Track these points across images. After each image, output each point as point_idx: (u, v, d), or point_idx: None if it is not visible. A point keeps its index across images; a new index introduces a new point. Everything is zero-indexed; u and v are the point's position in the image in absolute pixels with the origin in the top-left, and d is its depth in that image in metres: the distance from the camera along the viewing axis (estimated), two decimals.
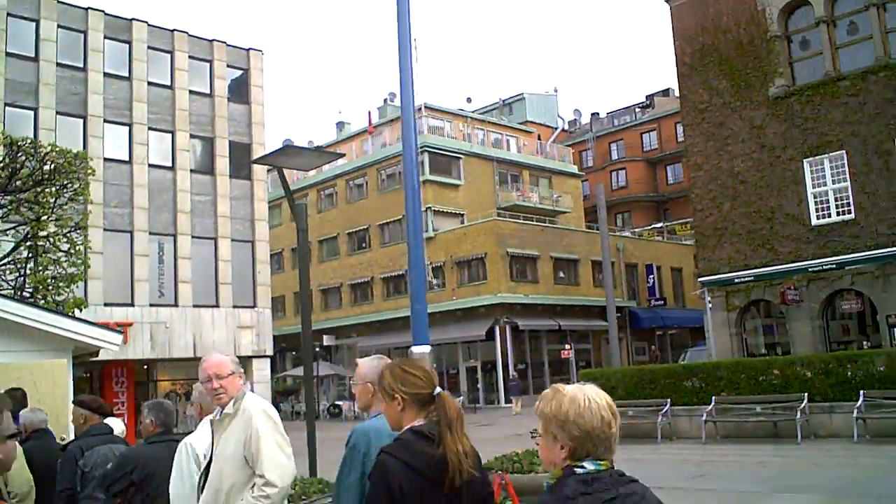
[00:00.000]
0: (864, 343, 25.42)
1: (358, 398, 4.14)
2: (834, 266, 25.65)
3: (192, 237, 28.48)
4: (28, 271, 13.64)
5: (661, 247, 45.67)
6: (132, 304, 26.53)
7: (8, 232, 13.88)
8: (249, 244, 30.11)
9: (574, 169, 48.86)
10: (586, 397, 2.32)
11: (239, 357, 19.66)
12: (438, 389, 3.13)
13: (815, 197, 27.36)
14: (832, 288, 26.87)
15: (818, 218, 27.24)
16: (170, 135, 28.66)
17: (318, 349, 41.30)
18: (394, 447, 2.98)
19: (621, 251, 42.52)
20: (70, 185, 14.19)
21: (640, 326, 41.95)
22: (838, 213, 26.85)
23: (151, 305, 27.10)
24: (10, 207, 13.60)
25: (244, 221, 30.10)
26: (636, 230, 49.91)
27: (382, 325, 41.44)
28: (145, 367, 27.72)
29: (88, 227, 15.24)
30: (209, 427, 4.89)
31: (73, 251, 14.06)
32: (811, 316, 27.16)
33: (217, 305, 28.62)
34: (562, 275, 40.07)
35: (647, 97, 60.52)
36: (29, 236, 13.88)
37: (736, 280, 26.98)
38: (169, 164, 28.50)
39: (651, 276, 43.08)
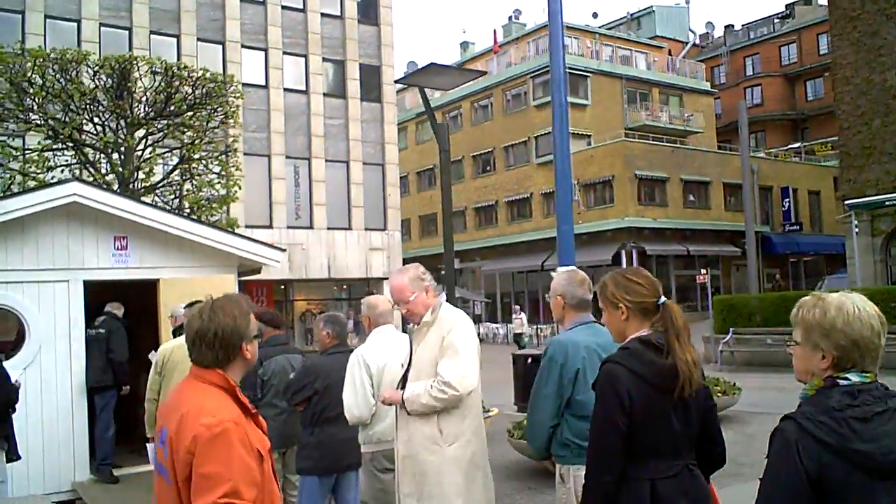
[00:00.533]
0: None
1: (553, 311, 4.20)
2: None
3: (326, 161, 29.16)
4: (185, 192, 14.37)
5: (799, 168, 43.51)
6: (271, 227, 27.57)
7: (165, 155, 14.60)
8: (380, 167, 30.60)
9: (706, 86, 46.84)
10: (854, 305, 2.24)
11: (370, 279, 20.52)
12: (664, 299, 3.09)
13: None
14: None
15: None
16: (303, 59, 29.16)
17: (442, 273, 41.94)
18: (621, 356, 2.95)
19: (756, 173, 40.69)
20: (220, 108, 14.73)
21: (772, 252, 40.42)
22: None
23: (289, 227, 28.11)
24: (166, 132, 14.27)
25: (375, 145, 30.53)
26: (771, 151, 47.65)
27: (507, 248, 41.54)
28: (283, 287, 28.90)
29: (236, 150, 15.82)
30: (378, 338, 5.10)
31: (224, 173, 14.69)
32: None
33: (350, 228, 29.40)
34: (692, 198, 38.90)
35: (786, 6, 56.85)
36: (184, 159, 14.57)
37: (886, 203, 25.38)
38: (303, 87, 29.07)
39: (787, 200, 41.25)
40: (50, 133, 14.16)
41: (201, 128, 14.47)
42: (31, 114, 13.82)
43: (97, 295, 8.93)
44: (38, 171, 13.52)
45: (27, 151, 13.61)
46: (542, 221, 39.84)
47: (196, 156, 14.69)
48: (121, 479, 8.66)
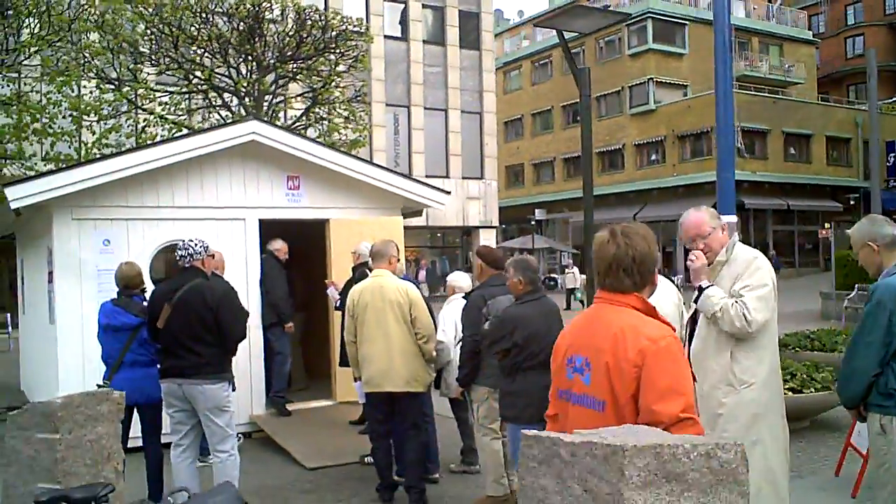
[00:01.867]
0: None
1: (865, 262, 4.05)
2: None
3: (424, 108, 29.05)
4: (317, 134, 14.41)
5: None
6: None
7: (293, 100, 14.64)
8: (477, 116, 30.35)
9: (808, 35, 44.97)
10: None
11: (467, 227, 20.34)
12: None
13: None
14: None
15: None
16: (402, 5, 28.90)
17: (532, 223, 41.69)
18: None
19: (860, 126, 39.22)
20: (349, 52, 14.67)
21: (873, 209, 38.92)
22: None
23: None
24: (300, 75, 14.28)
25: (473, 93, 30.26)
26: (861, 104, 45.54)
27: (597, 200, 40.79)
28: None
29: (365, 94, 15.79)
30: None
31: (352, 118, 14.68)
32: None
33: (447, 176, 29.32)
34: (792, 151, 37.68)
35: None
36: (316, 102, 14.58)
37: None
38: (402, 34, 28.87)
39: (892, 154, 39.54)
40: (185, 77, 14.33)
41: (333, 72, 14.44)
42: (167, 57, 13.97)
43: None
44: (180, 114, 13.71)
45: (163, 94, 13.77)
46: (634, 173, 39.16)
47: (324, 100, 14.69)
48: (291, 413, 8.84)
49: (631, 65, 39.87)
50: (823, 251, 38.28)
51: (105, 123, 13.21)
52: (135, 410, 6.08)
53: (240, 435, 7.87)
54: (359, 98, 15.24)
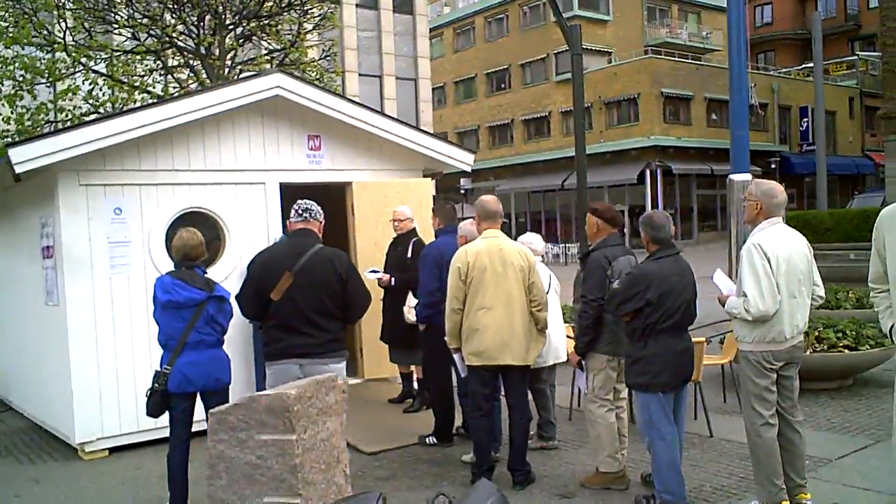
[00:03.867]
0: None
1: None
2: None
3: (359, 75, 28.06)
4: None
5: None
6: None
7: (264, 59, 13.62)
8: (413, 82, 29.58)
9: (723, 3, 45.77)
10: None
11: None
12: None
13: None
14: None
15: None
16: None
17: (461, 192, 41.29)
18: None
19: (776, 92, 40.39)
20: (314, 10, 13.73)
21: (791, 172, 40.27)
22: None
23: None
24: (265, 34, 13.28)
25: (407, 59, 29.45)
26: (783, 70, 47.06)
27: (525, 168, 40.88)
28: None
29: (335, 54, 14.85)
30: (773, 228, 4.69)
31: (321, 80, 13.77)
32: None
33: None
34: (714, 117, 38.41)
35: None
36: (281, 61, 13.62)
37: None
38: None
39: (805, 120, 40.91)
40: (133, 35, 13.15)
41: (301, 31, 13.48)
42: (115, 14, 12.74)
43: None
44: (143, 76, 12.54)
45: (112, 54, 12.53)
46: (561, 140, 39.16)
47: (292, 62, 13.73)
48: None
49: (556, 31, 39.56)
50: None
51: (56, 86, 11.95)
52: (197, 398, 5.33)
53: None
54: (327, 58, 14.35)
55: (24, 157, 6.30)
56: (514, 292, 5.46)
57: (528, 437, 5.68)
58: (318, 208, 5.15)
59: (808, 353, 7.92)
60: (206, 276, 5.34)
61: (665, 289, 4.95)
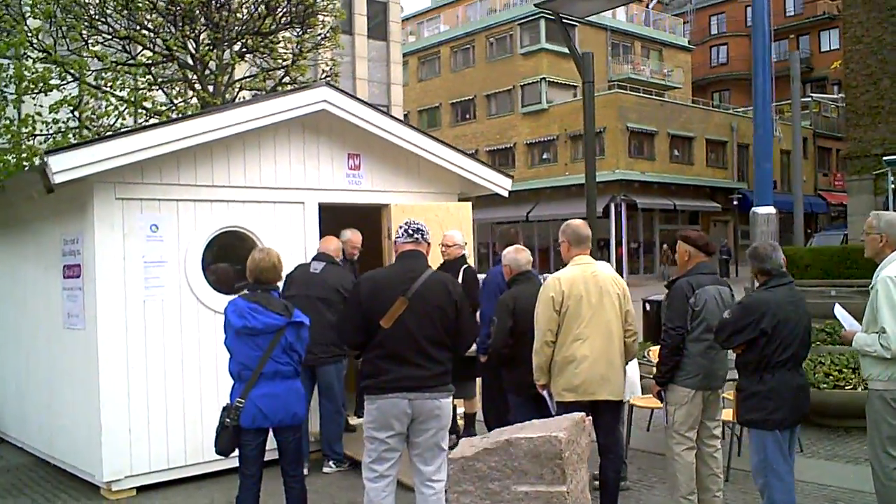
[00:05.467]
0: None
1: None
2: None
3: None
4: None
5: None
6: None
7: (259, 76, 13.12)
8: (385, 108, 29.22)
9: (685, 41, 46.77)
10: None
11: None
12: None
13: None
14: None
15: None
16: None
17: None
18: None
19: (735, 130, 41.16)
20: (314, 28, 13.32)
21: (748, 209, 40.84)
22: None
23: None
24: (262, 50, 12.81)
25: (380, 85, 29.15)
26: (739, 109, 48.07)
27: (488, 198, 40.57)
28: None
29: (337, 74, 14.39)
30: None
31: None
32: None
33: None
34: (676, 153, 38.91)
35: None
36: (281, 82, 13.15)
37: (887, 162, 25.40)
38: None
39: None
40: (123, 48, 12.56)
41: (302, 48, 13.05)
42: (109, 26, 12.14)
43: None
44: (141, 89, 11.92)
45: (110, 65, 11.90)
46: (526, 172, 39.20)
47: (287, 79, 13.28)
48: (356, 428, 7.68)
49: (523, 64, 39.92)
50: None
51: (45, 95, 11.26)
52: (268, 434, 4.85)
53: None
54: (329, 78, 13.92)
55: (66, 165, 5.77)
56: (613, 322, 5.14)
57: (619, 478, 5.32)
58: (428, 229, 4.78)
59: (860, 390, 7.75)
60: (282, 299, 4.89)
61: (780, 318, 4.70)
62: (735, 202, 38.36)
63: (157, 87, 12.92)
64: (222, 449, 4.75)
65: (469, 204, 8.30)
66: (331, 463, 6.75)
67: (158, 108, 12.67)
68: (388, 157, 7.86)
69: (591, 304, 5.09)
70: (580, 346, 5.05)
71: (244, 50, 12.92)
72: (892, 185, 24.16)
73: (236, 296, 4.93)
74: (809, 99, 45.73)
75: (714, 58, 53.60)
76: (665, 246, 34.58)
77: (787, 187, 43.45)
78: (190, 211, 6.67)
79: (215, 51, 12.46)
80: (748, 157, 42.04)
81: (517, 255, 5.94)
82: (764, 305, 4.73)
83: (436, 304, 4.47)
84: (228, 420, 4.69)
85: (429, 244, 4.79)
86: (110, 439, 6.17)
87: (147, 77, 12.53)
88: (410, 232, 4.64)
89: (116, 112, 12.08)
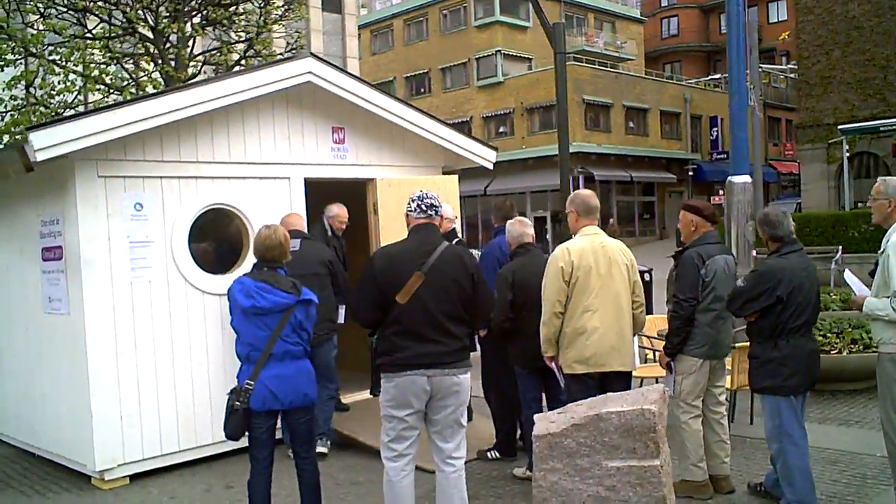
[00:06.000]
0: None
1: None
2: None
3: None
4: None
5: (724, 99, 44.40)
6: None
7: (223, 50, 12.72)
8: None
9: (637, 13, 46.98)
10: None
11: None
12: None
13: None
14: None
15: None
16: None
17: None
18: None
19: (688, 102, 41.56)
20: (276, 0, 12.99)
21: (702, 180, 41.46)
22: None
23: None
24: (225, 22, 12.43)
25: (336, 59, 28.66)
26: (691, 81, 48.56)
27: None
28: None
29: (302, 47, 14.05)
30: None
31: None
32: None
33: None
34: (632, 125, 39.18)
35: None
36: (246, 55, 12.80)
37: (842, 131, 25.87)
38: None
39: (715, 129, 42.26)
40: (78, 21, 12.13)
41: (266, 20, 12.71)
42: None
43: None
44: (99, 63, 11.48)
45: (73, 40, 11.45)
46: None
47: (251, 53, 12.95)
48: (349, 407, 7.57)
49: (477, 36, 39.71)
50: (659, 221, 40.37)
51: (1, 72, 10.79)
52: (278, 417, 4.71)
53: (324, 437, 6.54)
54: (293, 51, 13.58)
55: (47, 142, 5.49)
56: (622, 292, 5.10)
57: None
58: (440, 203, 4.66)
59: (845, 354, 7.88)
60: (290, 278, 4.73)
61: (795, 285, 4.75)
62: (691, 173, 38.78)
63: (115, 62, 12.49)
64: (233, 433, 4.59)
65: (455, 177, 8.17)
66: (327, 442, 6.63)
67: (118, 83, 12.27)
68: (371, 131, 7.69)
69: (600, 275, 5.04)
70: (590, 318, 5.00)
71: (205, 22, 12.56)
72: (847, 154, 24.62)
73: (241, 275, 4.76)
74: (760, 70, 46.33)
75: (665, 30, 53.95)
76: (612, 221, 34.97)
77: None
78: (174, 188, 6.43)
79: (176, 23, 12.08)
80: (701, 128, 42.64)
81: (520, 228, 5.87)
82: (779, 273, 4.74)
83: (452, 278, 4.36)
84: (238, 403, 4.53)
85: (441, 218, 4.68)
86: (102, 427, 5.96)
87: (104, 51, 12.10)
88: (424, 208, 4.49)
89: (74, 88, 11.67)
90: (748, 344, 5.08)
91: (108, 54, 11.94)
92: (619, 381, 5.15)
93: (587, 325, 5.00)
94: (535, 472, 3.01)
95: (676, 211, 26.19)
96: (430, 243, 4.39)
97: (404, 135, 7.90)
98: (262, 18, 13.02)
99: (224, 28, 12.78)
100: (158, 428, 6.26)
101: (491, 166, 8.60)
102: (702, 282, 5.13)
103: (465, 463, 4.62)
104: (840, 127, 24.24)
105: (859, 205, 24.59)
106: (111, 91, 11.83)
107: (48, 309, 6.49)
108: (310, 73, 6.92)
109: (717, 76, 47.50)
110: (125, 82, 12.13)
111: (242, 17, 12.71)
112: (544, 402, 5.87)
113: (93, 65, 11.56)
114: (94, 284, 5.97)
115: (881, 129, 23.71)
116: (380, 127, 7.72)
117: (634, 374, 6.93)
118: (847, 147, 24.49)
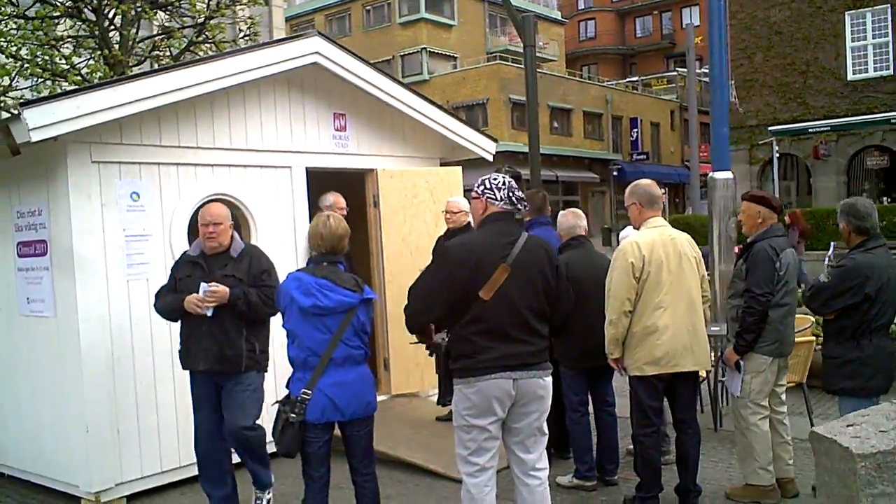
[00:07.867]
0: (886, 200, 26.14)
1: None
2: (868, 121, 25.58)
3: None
4: None
5: (643, 101, 45.41)
6: None
7: (175, 35, 11.90)
8: None
9: (558, 15, 47.39)
10: None
11: None
12: None
13: (853, 51, 27.38)
14: (862, 144, 27.37)
15: (854, 73, 27.37)
16: None
17: None
18: None
19: (610, 103, 42.15)
20: None
21: (623, 180, 42.09)
22: (876, 69, 27.03)
23: None
24: (175, 4, 11.63)
25: None
26: (610, 83, 49.37)
27: None
28: None
29: (257, 34, 13.31)
30: None
31: None
32: (837, 171, 27.77)
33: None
34: (556, 125, 39.42)
35: None
36: (195, 38, 12.01)
37: (765, 131, 26.55)
38: None
39: (635, 130, 43.04)
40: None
41: (221, 3, 11.96)
42: None
43: None
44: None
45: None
46: None
47: (201, 38, 12.17)
48: None
49: (402, 33, 39.25)
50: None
51: None
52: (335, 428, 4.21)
53: None
54: (247, 38, 12.86)
55: (46, 120, 4.80)
56: (693, 288, 4.80)
57: (698, 453, 4.99)
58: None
59: None
60: (352, 273, 4.24)
61: (882, 282, 4.55)
62: (615, 173, 39.32)
63: (51, 46, 11.51)
64: (287, 449, 4.06)
65: (459, 168, 7.75)
66: None
67: (59, 69, 11.32)
68: (373, 118, 7.20)
69: (671, 270, 4.72)
70: (661, 315, 4.67)
71: (151, 4, 11.73)
72: (777, 154, 25.28)
73: (295, 270, 4.22)
74: (676, 73, 47.51)
75: (583, 32, 54.69)
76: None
77: (658, 159, 45.11)
78: (172, 176, 5.79)
79: (121, 5, 11.21)
80: (622, 129, 43.30)
81: (573, 220, 5.49)
82: (867, 269, 4.55)
83: (538, 270, 3.93)
84: (294, 416, 4.01)
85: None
86: (96, 443, 5.28)
87: (37, 34, 11.14)
88: (514, 199, 3.99)
89: (8, 71, 10.72)
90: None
91: (39, 37, 10.98)
92: (688, 382, 4.85)
93: (658, 323, 4.67)
94: (861, 501, 2.60)
95: (600, 210, 26.39)
96: (511, 233, 3.94)
97: (404, 123, 7.45)
98: (217, 2, 12.24)
99: (171, 12, 11.95)
100: (158, 444, 5.61)
101: (491, 157, 8.24)
102: (777, 276, 4.87)
103: (499, 471, 4.14)
104: (770, 128, 24.90)
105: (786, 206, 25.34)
106: (51, 77, 10.90)
107: (25, 311, 5.74)
108: (317, 52, 6.38)
109: (636, 78, 48.45)
110: (68, 67, 11.18)
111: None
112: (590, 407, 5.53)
113: (26, 48, 10.60)
114: (89, 284, 5.29)
115: (809, 130, 24.42)
116: (381, 114, 7.24)
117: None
118: (777, 148, 25.14)
